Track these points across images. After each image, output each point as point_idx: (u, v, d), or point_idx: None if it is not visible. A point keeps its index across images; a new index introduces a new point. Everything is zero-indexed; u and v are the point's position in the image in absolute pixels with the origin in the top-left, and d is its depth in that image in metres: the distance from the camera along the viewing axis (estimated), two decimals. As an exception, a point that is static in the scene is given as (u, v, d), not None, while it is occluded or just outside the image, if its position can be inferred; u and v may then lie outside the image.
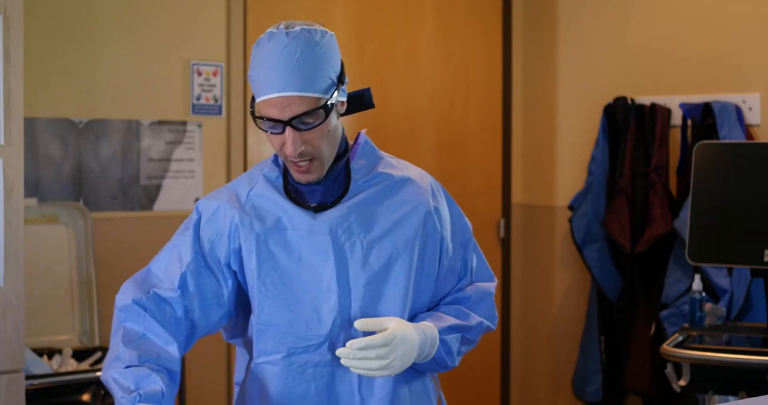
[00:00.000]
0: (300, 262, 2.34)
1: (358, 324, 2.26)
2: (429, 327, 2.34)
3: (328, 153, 2.32)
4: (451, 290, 2.49)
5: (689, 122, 4.60)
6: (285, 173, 2.40)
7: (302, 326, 2.33)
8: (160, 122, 4.25)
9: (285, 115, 2.23)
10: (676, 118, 4.68)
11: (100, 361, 3.85)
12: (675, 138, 4.68)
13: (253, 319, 2.36)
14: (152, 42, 4.23)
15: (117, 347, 2.27)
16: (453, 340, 2.39)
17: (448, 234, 2.46)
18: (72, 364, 3.77)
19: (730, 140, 4.37)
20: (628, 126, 4.77)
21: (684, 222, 4.23)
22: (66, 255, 3.98)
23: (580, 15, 5.08)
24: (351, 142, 2.46)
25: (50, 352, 3.82)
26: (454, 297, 2.48)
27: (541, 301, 5.10)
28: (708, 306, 3.97)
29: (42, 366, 3.60)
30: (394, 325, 2.26)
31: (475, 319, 2.44)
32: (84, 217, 3.99)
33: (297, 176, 2.33)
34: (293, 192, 2.38)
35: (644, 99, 4.77)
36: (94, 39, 4.08)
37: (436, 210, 2.43)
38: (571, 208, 4.91)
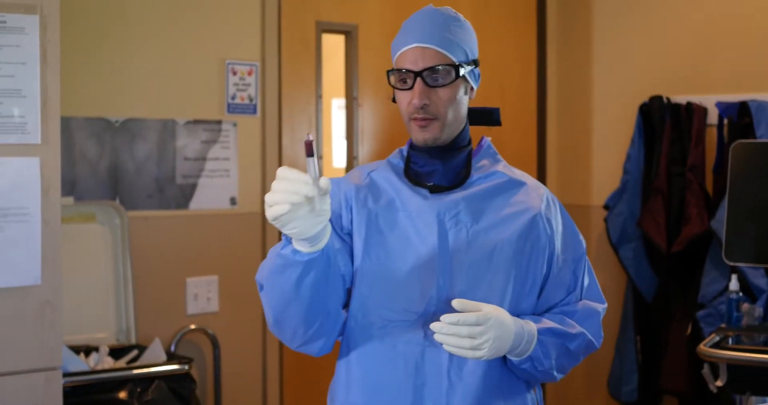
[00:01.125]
0: (406, 242, 2.38)
1: (456, 303, 2.26)
2: (527, 323, 2.33)
3: (451, 121, 2.39)
4: (559, 303, 2.48)
5: (725, 121, 4.58)
6: (407, 160, 2.47)
7: (399, 302, 2.35)
8: (196, 121, 4.27)
9: (418, 66, 2.34)
10: (713, 117, 4.65)
11: (136, 359, 3.86)
12: (711, 137, 4.66)
13: (352, 289, 2.39)
14: (187, 41, 4.24)
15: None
16: (551, 344, 2.37)
17: (558, 245, 2.46)
18: (109, 362, 3.79)
19: (767, 139, 4.35)
20: (663, 125, 4.75)
21: (720, 221, 4.21)
22: (102, 254, 4.00)
23: (615, 14, 5.06)
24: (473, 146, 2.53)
25: (87, 350, 3.84)
26: (562, 309, 2.46)
27: (576, 300, 5.09)
28: (745, 306, 3.94)
29: (79, 364, 3.62)
30: (490, 308, 2.26)
31: (577, 329, 2.42)
32: (120, 215, 4.01)
33: (416, 135, 2.39)
34: (413, 174, 2.45)
35: (680, 98, 4.74)
36: (129, 38, 4.10)
37: (547, 218, 2.45)
38: (606, 207, 4.90)
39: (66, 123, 3.89)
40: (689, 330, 4.53)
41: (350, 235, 2.43)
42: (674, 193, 4.70)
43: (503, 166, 2.53)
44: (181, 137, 4.23)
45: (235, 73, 4.36)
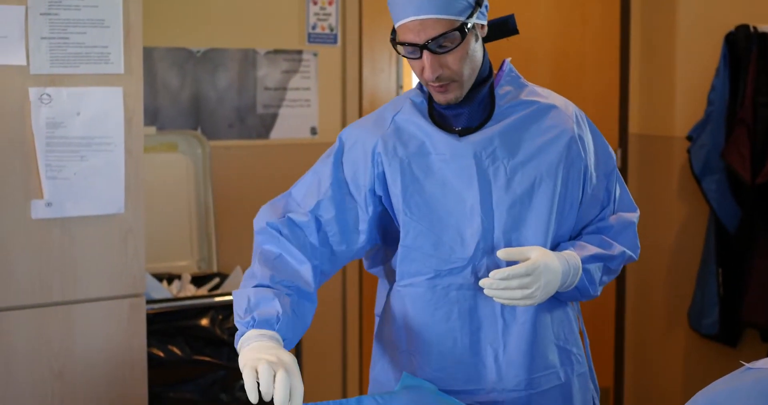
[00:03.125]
0: (444, 186, 2.35)
1: (501, 253, 2.27)
2: (572, 256, 2.33)
3: (468, 76, 2.32)
4: (594, 219, 2.48)
5: (814, 50, 4.49)
6: (430, 98, 2.40)
7: (446, 249, 2.35)
8: (276, 51, 4.27)
9: (421, 39, 2.24)
10: (801, 46, 4.56)
11: (218, 286, 3.92)
12: (799, 67, 4.56)
13: (400, 242, 2.39)
14: (268, -29, 4.24)
15: (253, 266, 2.33)
16: (596, 269, 2.38)
17: (591, 162, 2.44)
18: (191, 290, 3.84)
19: None
20: (749, 55, 4.66)
21: (807, 153, 4.14)
22: (184, 183, 4.04)
23: (702, -60, 4.95)
24: (495, 70, 2.45)
25: (169, 278, 3.90)
26: (597, 226, 2.47)
27: (658, 232, 5.05)
28: (830, 239, 3.89)
29: (162, 291, 3.68)
30: (536, 255, 2.26)
31: (617, 248, 2.43)
32: (202, 145, 4.05)
33: (437, 97, 2.34)
34: (437, 116, 2.39)
35: (767, 27, 4.64)
36: (211, -32, 4.11)
37: (580, 137, 2.42)
38: (689, 138, 4.83)
39: (148, 53, 3.92)
40: (772, 263, 4.48)
41: (372, 191, 2.39)
42: (759, 124, 4.62)
43: (528, 92, 2.45)
44: (262, 67, 4.24)
45: (315, 3, 4.35)
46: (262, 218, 2.42)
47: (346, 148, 2.44)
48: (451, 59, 2.27)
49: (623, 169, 5.11)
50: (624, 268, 5.14)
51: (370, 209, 2.40)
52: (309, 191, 2.42)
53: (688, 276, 4.93)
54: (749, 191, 4.64)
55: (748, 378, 1.70)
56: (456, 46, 2.25)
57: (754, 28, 4.66)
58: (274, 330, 2.16)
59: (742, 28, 4.69)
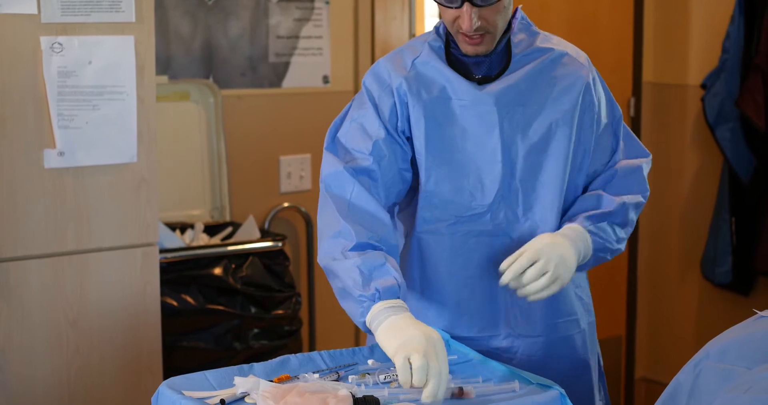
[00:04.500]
0: (465, 132, 2.37)
1: (502, 271, 2.27)
2: (568, 227, 2.35)
3: (501, 28, 2.33)
4: (602, 167, 2.50)
5: (831, -3, 4.44)
6: (447, 44, 2.40)
7: (466, 195, 2.37)
8: (288, -1, 4.25)
9: None
10: (818, -7, 4.52)
11: (231, 235, 3.93)
12: (815, 14, 4.52)
13: (420, 187, 2.39)
14: None
15: (335, 222, 2.27)
16: (604, 226, 2.39)
17: (602, 110, 2.47)
18: (204, 239, 3.85)
19: None
20: (765, 1, 4.62)
21: (822, 101, 4.11)
22: (197, 131, 4.04)
23: None
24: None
25: (183, 227, 3.90)
26: (604, 175, 2.49)
27: (671, 181, 5.04)
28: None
29: (175, 240, 3.69)
30: (528, 245, 2.27)
31: (612, 203, 2.42)
32: (214, 94, 4.04)
33: (466, 48, 2.34)
34: (456, 63, 2.39)
35: (784, -27, 4.60)
36: None
37: (594, 85, 2.45)
38: (703, 86, 4.81)
39: (159, 1, 3.90)
40: (786, 212, 4.47)
41: (404, 133, 2.38)
42: (775, 72, 4.59)
43: (541, 40, 2.45)
44: (274, 15, 4.22)
45: (327, -50, 4.32)
46: (333, 165, 2.35)
47: (375, 95, 2.41)
48: (489, 12, 2.27)
49: (636, 118, 5.09)
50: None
51: (408, 148, 2.40)
52: (356, 138, 2.37)
53: (701, 225, 4.92)
54: (763, 140, 4.62)
55: (760, 326, 1.71)
56: (497, 0, 2.26)
57: (771, -26, 4.62)
58: (398, 298, 2.15)
59: (758, -25, 4.65)
